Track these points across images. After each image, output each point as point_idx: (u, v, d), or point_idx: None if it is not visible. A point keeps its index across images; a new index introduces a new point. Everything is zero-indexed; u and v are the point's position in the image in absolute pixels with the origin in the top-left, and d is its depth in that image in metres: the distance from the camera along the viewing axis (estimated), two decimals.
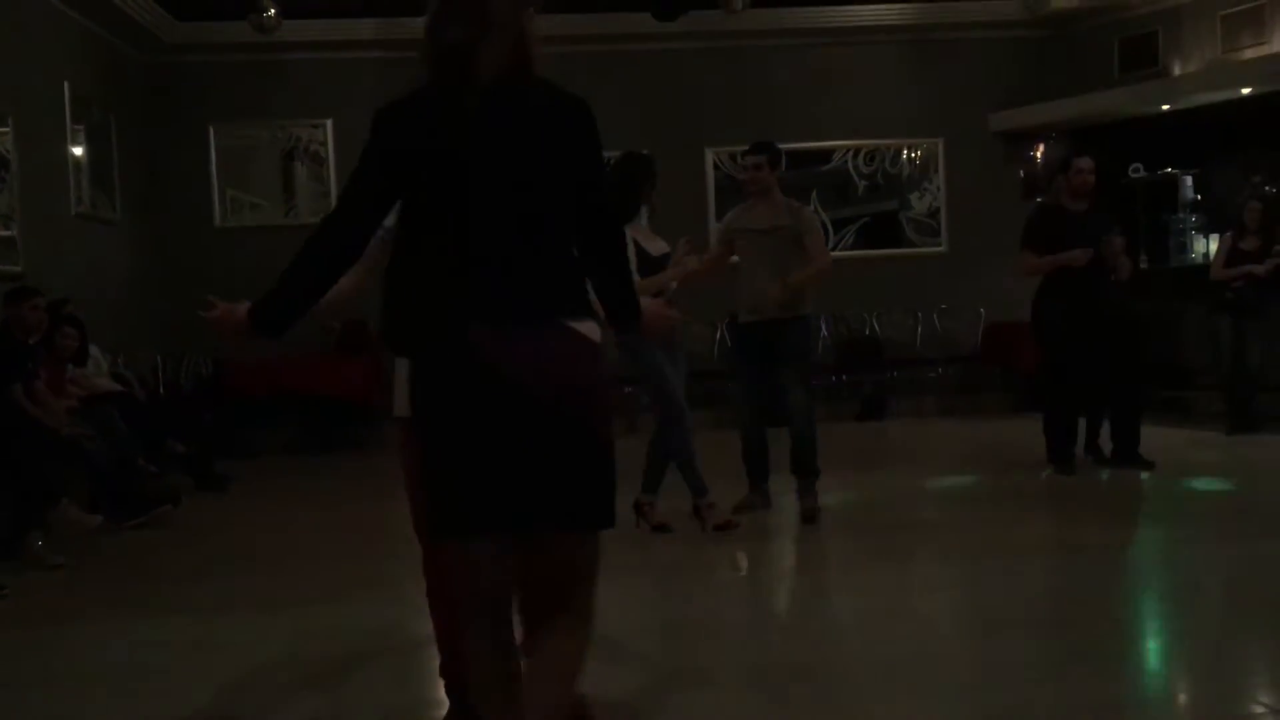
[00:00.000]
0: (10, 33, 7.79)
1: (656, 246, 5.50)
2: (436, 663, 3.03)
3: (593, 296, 2.27)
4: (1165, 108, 10.12)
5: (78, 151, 8.82)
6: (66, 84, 8.60)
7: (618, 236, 2.36)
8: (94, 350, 7.65)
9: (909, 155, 11.33)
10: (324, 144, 10.58)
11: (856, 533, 5.56)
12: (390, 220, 2.28)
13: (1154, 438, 6.96)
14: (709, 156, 10.95)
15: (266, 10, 9.35)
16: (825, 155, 10.94)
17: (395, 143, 2.16)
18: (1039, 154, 11.10)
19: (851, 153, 11.12)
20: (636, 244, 5.42)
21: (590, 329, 2.17)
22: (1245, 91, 9.51)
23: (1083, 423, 6.99)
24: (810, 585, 4.81)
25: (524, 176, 2.14)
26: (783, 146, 6.09)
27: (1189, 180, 10.14)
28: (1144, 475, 6.61)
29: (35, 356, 6.39)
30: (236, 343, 2.35)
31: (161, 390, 9.18)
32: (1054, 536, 5.59)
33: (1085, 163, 6.75)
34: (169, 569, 5.53)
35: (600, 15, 10.49)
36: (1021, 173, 11.19)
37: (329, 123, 10.50)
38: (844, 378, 10.47)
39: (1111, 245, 6.57)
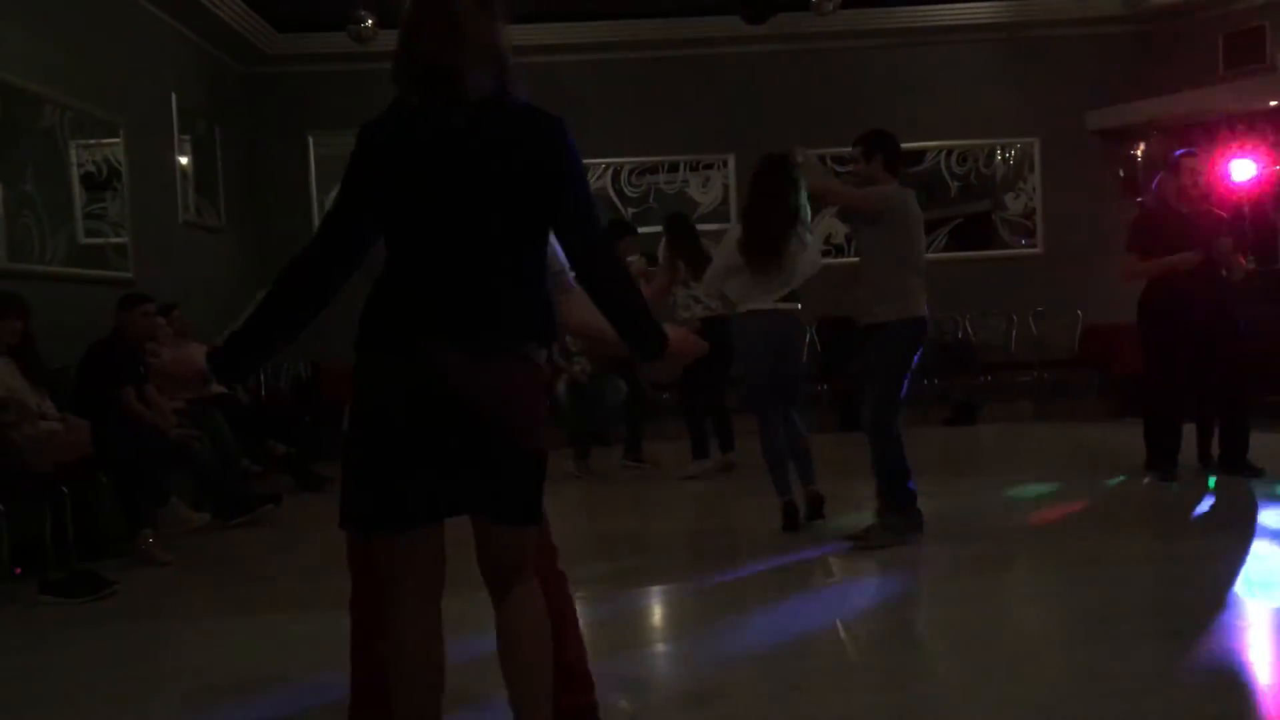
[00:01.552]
0: (121, 48, 8.10)
1: None
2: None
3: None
4: (1273, 104, 9.79)
5: (184, 161, 9.13)
6: (174, 96, 8.91)
7: (604, 260, 2.34)
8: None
9: (1003, 155, 11.15)
10: None
11: (950, 539, 5.47)
12: None
13: (1263, 444, 6.75)
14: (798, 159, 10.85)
15: (363, 20, 9.56)
16: (917, 156, 10.81)
17: (382, 159, 2.19)
18: (1139, 152, 10.82)
19: (944, 154, 10.98)
20: None
21: (535, 353, 2.27)
22: None
23: (1193, 430, 6.81)
24: (903, 592, 4.76)
25: (495, 196, 2.17)
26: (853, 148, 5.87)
27: None
28: (1253, 482, 6.42)
29: (144, 360, 6.62)
30: (189, 392, 2.40)
31: (263, 393, 9.44)
32: (1158, 545, 5.45)
33: (1195, 162, 6.57)
34: (271, 566, 5.69)
35: (689, 19, 10.52)
36: (1121, 172, 10.92)
37: None
38: (935, 381, 10.33)
39: (1221, 247, 6.39)
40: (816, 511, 5.73)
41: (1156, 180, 6.96)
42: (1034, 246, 11.05)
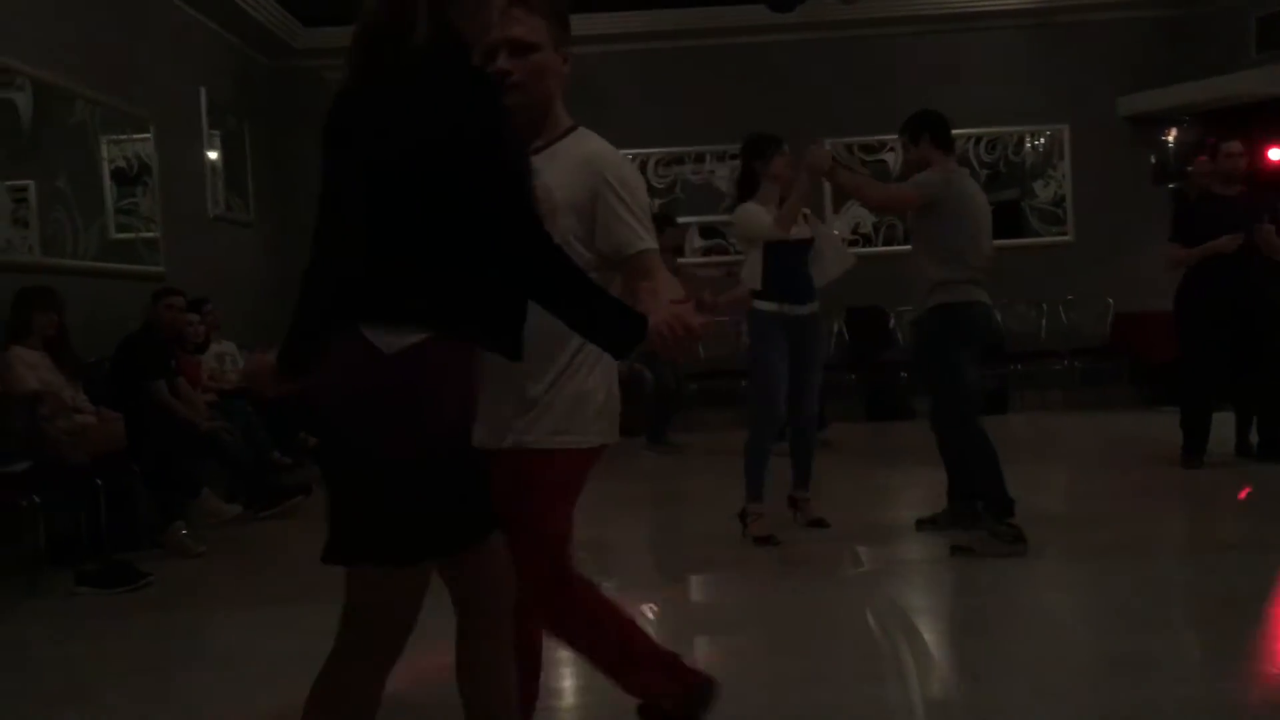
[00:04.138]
0: (152, 44, 8.16)
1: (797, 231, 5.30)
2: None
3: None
4: None
5: (213, 156, 9.19)
6: (203, 91, 8.97)
7: (529, 244, 1.91)
8: (229, 346, 7.96)
9: (1032, 142, 11.05)
10: None
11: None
12: None
13: None
14: (826, 148, 10.81)
15: None
16: None
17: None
18: (1171, 138, 10.70)
19: (973, 141, 10.89)
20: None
21: (400, 337, 1.83)
22: None
23: (1229, 418, 6.75)
24: (933, 581, 4.74)
25: (379, 162, 1.98)
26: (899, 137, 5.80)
27: None
28: None
29: (176, 354, 6.69)
30: (271, 389, 2.20)
31: None
32: (1190, 533, 5.41)
33: (1234, 146, 6.56)
34: (301, 557, 5.69)
35: (715, 9, 10.49)
36: (1153, 158, 10.81)
37: None
38: None
39: (1263, 232, 6.33)
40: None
41: (1194, 166, 6.92)
42: (1065, 234, 10.96)
